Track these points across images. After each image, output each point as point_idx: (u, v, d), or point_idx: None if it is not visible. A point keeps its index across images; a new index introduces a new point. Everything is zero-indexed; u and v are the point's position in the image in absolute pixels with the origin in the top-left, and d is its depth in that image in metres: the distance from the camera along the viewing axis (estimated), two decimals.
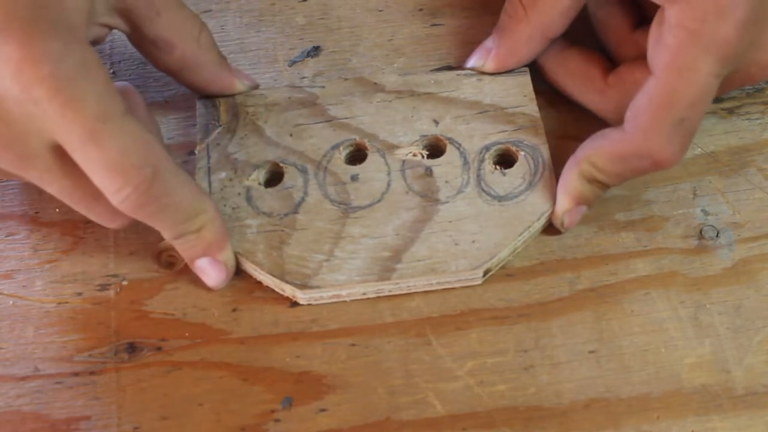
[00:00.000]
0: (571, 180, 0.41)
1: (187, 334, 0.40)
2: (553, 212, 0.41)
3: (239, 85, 0.44)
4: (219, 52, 0.44)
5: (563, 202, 0.41)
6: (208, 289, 0.41)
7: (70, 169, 0.36)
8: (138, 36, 0.41)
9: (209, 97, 0.44)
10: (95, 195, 0.37)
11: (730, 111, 0.46)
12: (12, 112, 0.34)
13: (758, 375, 0.39)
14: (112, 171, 0.35)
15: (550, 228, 0.42)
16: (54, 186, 0.37)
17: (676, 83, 0.38)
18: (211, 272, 0.40)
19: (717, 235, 0.42)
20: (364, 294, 0.40)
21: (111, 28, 0.40)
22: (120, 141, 0.35)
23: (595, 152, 0.40)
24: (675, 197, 0.43)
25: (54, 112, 0.34)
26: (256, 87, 0.45)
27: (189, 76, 0.43)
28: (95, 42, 0.40)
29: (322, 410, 0.38)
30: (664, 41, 0.39)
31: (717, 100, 0.46)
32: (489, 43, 0.45)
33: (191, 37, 0.42)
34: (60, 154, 0.35)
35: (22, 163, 0.36)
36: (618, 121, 0.42)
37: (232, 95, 0.44)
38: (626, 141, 0.39)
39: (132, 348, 0.40)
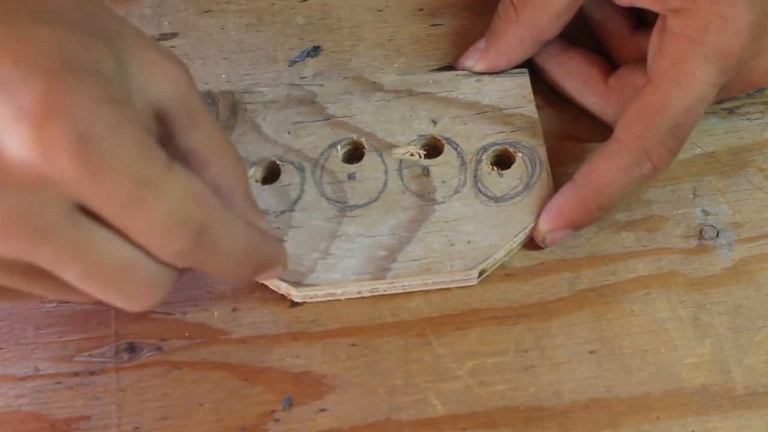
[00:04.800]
0: (568, 207, 0.40)
1: (187, 334, 0.40)
2: (535, 227, 0.41)
3: (266, 222, 0.38)
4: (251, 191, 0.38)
5: (551, 223, 0.41)
6: (209, 289, 0.41)
7: (96, 239, 0.31)
8: (170, 146, 0.34)
9: (209, 93, 0.44)
10: (127, 265, 0.32)
11: (730, 111, 0.45)
12: (24, 181, 0.28)
13: (758, 375, 0.39)
14: (158, 231, 0.31)
15: None
16: (78, 264, 0.31)
17: (672, 90, 0.38)
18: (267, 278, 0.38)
19: (717, 235, 0.42)
20: (359, 293, 0.40)
21: None
22: (165, 202, 0.31)
23: (597, 174, 0.40)
24: (675, 197, 0.43)
25: (82, 179, 0.29)
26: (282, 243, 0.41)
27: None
28: None
29: (322, 410, 0.38)
30: (664, 49, 0.39)
31: (718, 101, 0.45)
32: (481, 44, 0.45)
33: (228, 161, 0.35)
34: (84, 222, 0.30)
35: (37, 239, 0.29)
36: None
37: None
38: (623, 151, 0.39)
39: (132, 348, 0.40)
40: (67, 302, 0.41)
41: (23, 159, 0.28)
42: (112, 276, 0.32)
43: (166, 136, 0.34)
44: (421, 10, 0.49)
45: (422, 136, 0.43)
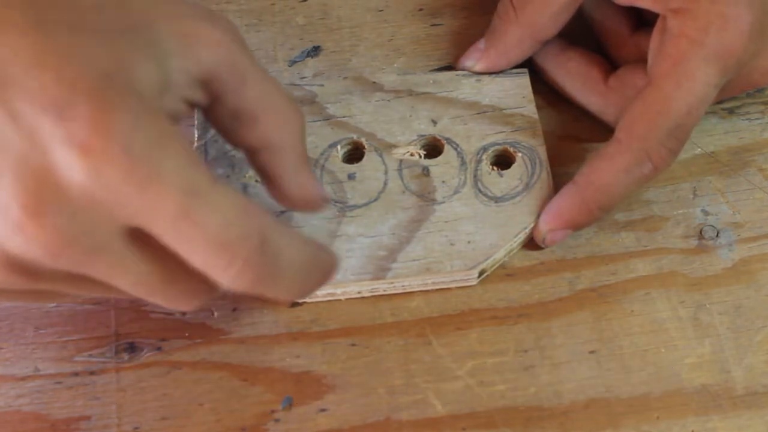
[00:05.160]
0: (569, 207, 0.40)
1: (187, 334, 0.40)
2: (536, 227, 0.41)
3: (315, 192, 0.37)
4: (306, 146, 0.37)
5: (551, 223, 0.41)
6: None
7: (148, 254, 0.31)
8: (218, 109, 0.35)
9: None
10: (174, 277, 0.32)
11: (730, 111, 0.45)
12: (76, 202, 0.28)
13: (758, 375, 0.39)
14: (216, 247, 0.30)
15: None
16: (128, 277, 0.31)
17: (673, 91, 0.38)
18: None
19: (717, 235, 0.42)
20: (359, 293, 0.40)
21: (192, 103, 0.34)
22: (218, 213, 0.30)
23: (598, 175, 0.40)
24: (675, 197, 0.43)
25: (131, 193, 0.29)
26: (328, 203, 0.40)
27: (267, 158, 0.36)
28: (173, 120, 0.33)
29: (322, 410, 0.38)
30: (665, 50, 0.39)
31: (718, 101, 0.45)
32: (480, 44, 0.45)
33: (279, 116, 0.35)
34: (134, 239, 0.30)
35: (89, 257, 0.30)
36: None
37: (300, 207, 0.38)
38: (623, 152, 0.39)
39: (132, 348, 0.40)
40: (67, 302, 0.41)
41: (75, 181, 0.28)
42: (159, 288, 0.32)
43: (215, 100, 0.34)
44: (421, 10, 0.49)
45: (422, 136, 0.43)
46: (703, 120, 0.44)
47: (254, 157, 0.36)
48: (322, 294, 0.40)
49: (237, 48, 0.34)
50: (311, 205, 0.38)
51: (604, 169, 0.40)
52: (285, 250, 0.32)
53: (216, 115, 0.35)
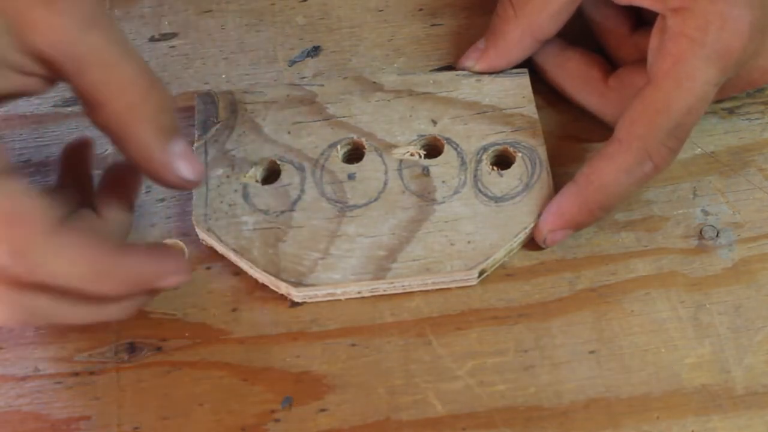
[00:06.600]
0: (569, 207, 0.40)
1: (187, 334, 0.40)
2: (536, 227, 0.41)
3: (174, 174, 0.36)
4: (169, 125, 0.35)
5: (552, 223, 0.41)
6: (209, 289, 0.41)
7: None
8: (72, 87, 0.35)
9: (208, 93, 0.44)
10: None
11: (730, 111, 0.45)
12: None
13: (758, 375, 0.39)
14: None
15: None
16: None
17: (673, 91, 0.38)
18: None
19: (717, 235, 0.42)
20: (359, 293, 0.40)
21: (41, 77, 0.34)
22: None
23: (598, 174, 0.40)
24: (675, 197, 0.43)
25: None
26: (196, 181, 0.37)
27: (118, 143, 0.35)
28: (22, 93, 0.35)
29: (322, 410, 0.38)
30: (664, 49, 0.39)
31: (717, 100, 0.46)
32: (480, 44, 0.45)
33: (120, 103, 0.34)
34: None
35: None
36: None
37: (170, 185, 0.37)
38: (624, 151, 0.39)
39: (132, 348, 0.40)
40: None
41: None
42: None
43: (66, 79, 0.34)
44: (421, 10, 0.49)
45: (422, 136, 0.43)
46: (703, 120, 0.44)
47: (112, 142, 0.35)
48: (322, 294, 0.40)
49: (76, 34, 0.33)
50: (176, 187, 0.37)
51: (605, 169, 0.40)
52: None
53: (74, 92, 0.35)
